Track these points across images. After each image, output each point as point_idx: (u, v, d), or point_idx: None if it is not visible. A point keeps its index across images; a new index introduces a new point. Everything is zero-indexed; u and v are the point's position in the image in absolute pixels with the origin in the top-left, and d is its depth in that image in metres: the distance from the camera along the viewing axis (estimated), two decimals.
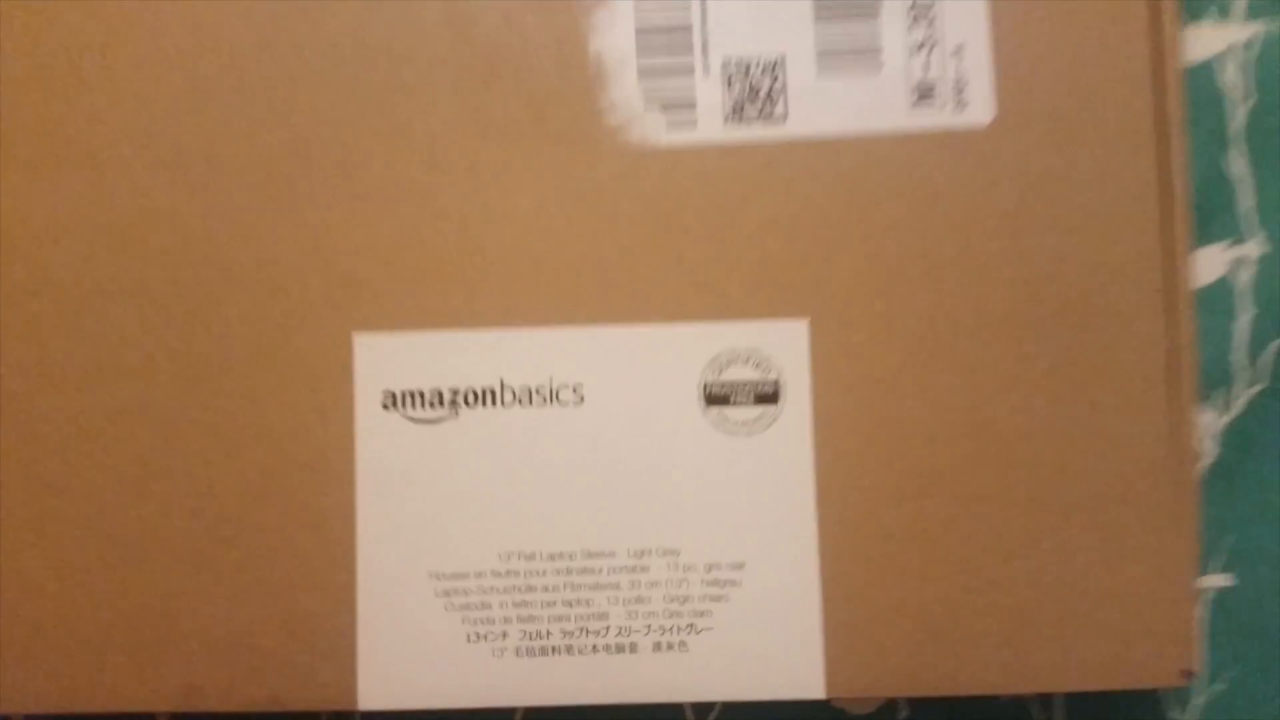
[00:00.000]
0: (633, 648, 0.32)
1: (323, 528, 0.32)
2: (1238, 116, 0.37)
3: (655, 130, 0.32)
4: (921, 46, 0.32)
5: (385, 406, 0.32)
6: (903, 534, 0.31)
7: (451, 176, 0.32)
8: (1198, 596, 0.32)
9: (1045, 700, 0.37)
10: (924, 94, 0.32)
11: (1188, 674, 0.31)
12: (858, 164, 0.32)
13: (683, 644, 0.31)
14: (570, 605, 0.32)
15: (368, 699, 0.32)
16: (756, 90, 0.32)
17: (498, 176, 0.32)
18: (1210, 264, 0.37)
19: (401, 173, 0.32)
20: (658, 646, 0.32)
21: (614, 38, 0.32)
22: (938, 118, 0.32)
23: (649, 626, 0.32)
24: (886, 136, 0.32)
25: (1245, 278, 0.38)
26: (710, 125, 0.32)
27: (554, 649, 0.32)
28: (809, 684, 0.31)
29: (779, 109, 0.32)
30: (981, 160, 0.32)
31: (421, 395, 0.32)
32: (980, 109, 0.32)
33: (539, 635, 0.32)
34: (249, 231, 0.32)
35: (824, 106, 0.32)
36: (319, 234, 0.32)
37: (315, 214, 0.32)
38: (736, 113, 0.32)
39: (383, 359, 0.32)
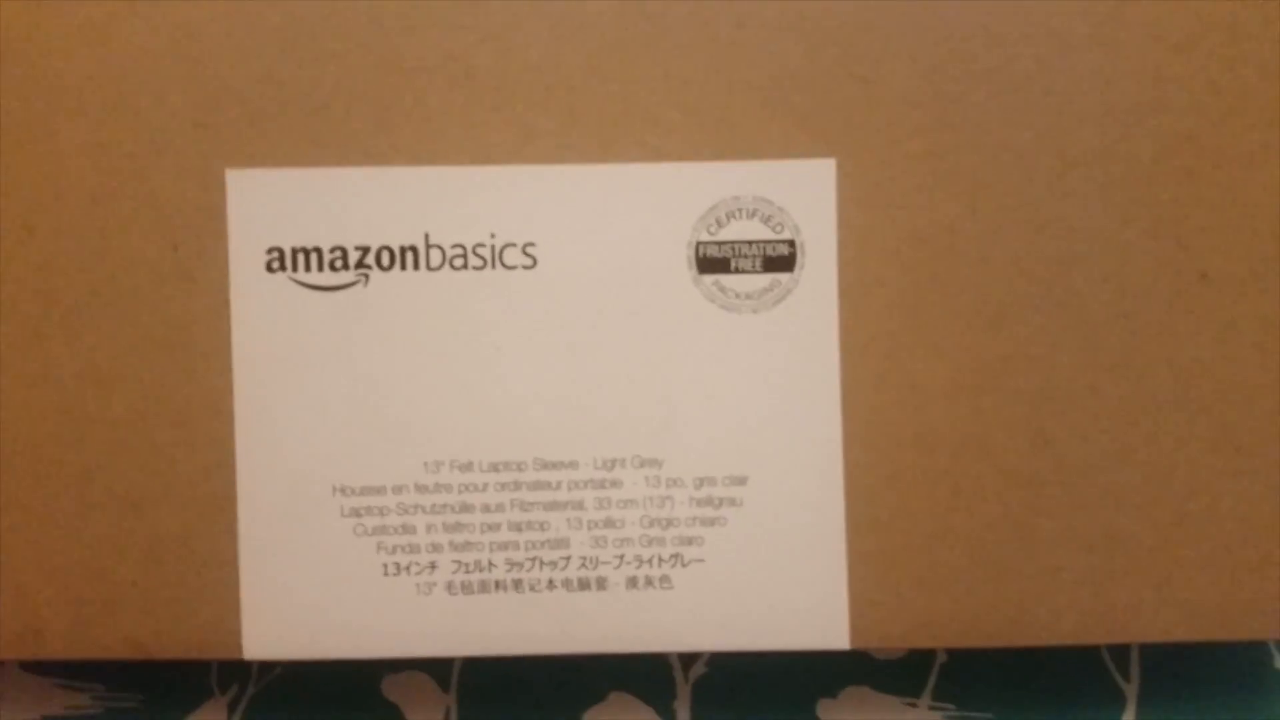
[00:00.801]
0: (600, 584, 0.28)
1: (190, 424, 0.28)
2: None
3: None
4: None
5: (271, 268, 0.27)
6: (952, 440, 0.27)
7: None
8: None
9: (1121, 648, 0.34)
10: None
11: None
12: None
13: (665, 579, 0.28)
14: (519, 530, 0.28)
15: (255, 646, 0.28)
16: None
17: None
18: None
19: None
20: (632, 582, 0.28)
21: None
22: None
23: (621, 557, 0.28)
24: None
25: None
26: None
27: (497, 584, 0.28)
28: (829, 631, 0.28)
29: None
30: None
31: (319, 254, 0.27)
32: None
33: (478, 567, 0.28)
34: (84, 33, 0.27)
35: None
36: (178, 36, 0.27)
37: (172, 9, 0.27)
38: None
39: (266, 205, 0.27)
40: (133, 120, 0.27)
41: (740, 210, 0.27)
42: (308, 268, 0.27)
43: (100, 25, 0.27)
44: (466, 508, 0.27)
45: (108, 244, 0.27)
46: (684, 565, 0.28)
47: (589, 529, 0.28)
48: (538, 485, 0.27)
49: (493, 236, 0.27)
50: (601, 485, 0.27)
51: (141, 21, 0.27)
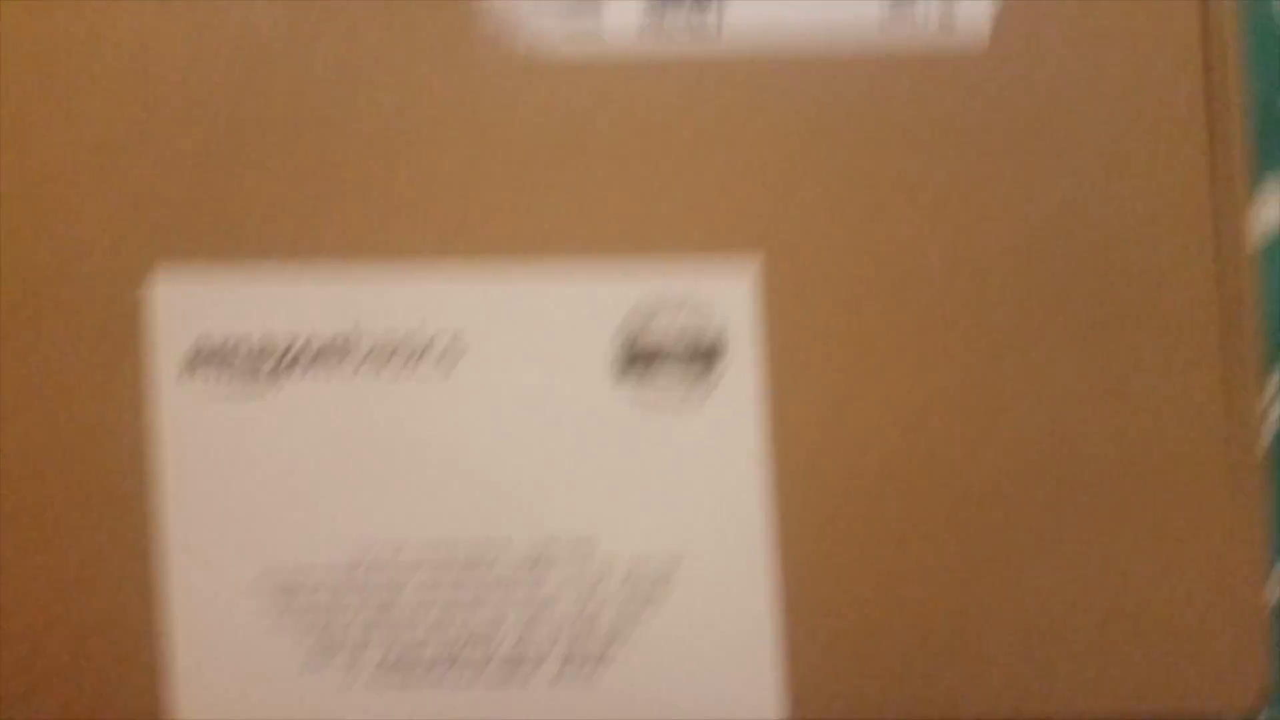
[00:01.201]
0: (536, 664, 0.28)
1: (113, 511, 0.27)
2: None
3: (548, 41, 0.28)
4: None
5: (192, 365, 0.27)
6: (888, 528, 0.27)
7: (291, 74, 0.28)
8: (1266, 606, 0.29)
9: None
10: None
11: (1259, 702, 0.28)
12: (816, 84, 0.28)
13: (601, 658, 0.28)
14: (450, 611, 0.28)
15: None
16: None
17: (349, 78, 0.28)
18: (1273, 207, 0.35)
19: (210, 67, 0.27)
20: (568, 660, 0.28)
21: None
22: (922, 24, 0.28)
23: (555, 638, 0.28)
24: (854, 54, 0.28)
25: None
26: (620, 37, 0.28)
27: (429, 667, 0.28)
28: (759, 706, 0.28)
29: (710, 19, 0.28)
30: (983, 69, 0.28)
31: (242, 348, 0.27)
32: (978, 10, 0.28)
33: (409, 650, 0.28)
34: (2, 135, 0.27)
35: (768, 18, 0.28)
36: (97, 134, 0.27)
37: (96, 118, 0.27)
38: (655, 23, 0.28)
39: (187, 303, 0.27)
40: (49, 216, 0.27)
41: (665, 306, 0.27)
42: (231, 363, 0.27)
43: (19, 128, 0.27)
44: (397, 588, 0.27)
45: (23, 343, 0.27)
46: (618, 646, 0.28)
47: (522, 610, 0.28)
48: (469, 565, 0.27)
49: (420, 328, 0.27)
50: (535, 566, 0.27)
51: (60, 122, 0.27)
